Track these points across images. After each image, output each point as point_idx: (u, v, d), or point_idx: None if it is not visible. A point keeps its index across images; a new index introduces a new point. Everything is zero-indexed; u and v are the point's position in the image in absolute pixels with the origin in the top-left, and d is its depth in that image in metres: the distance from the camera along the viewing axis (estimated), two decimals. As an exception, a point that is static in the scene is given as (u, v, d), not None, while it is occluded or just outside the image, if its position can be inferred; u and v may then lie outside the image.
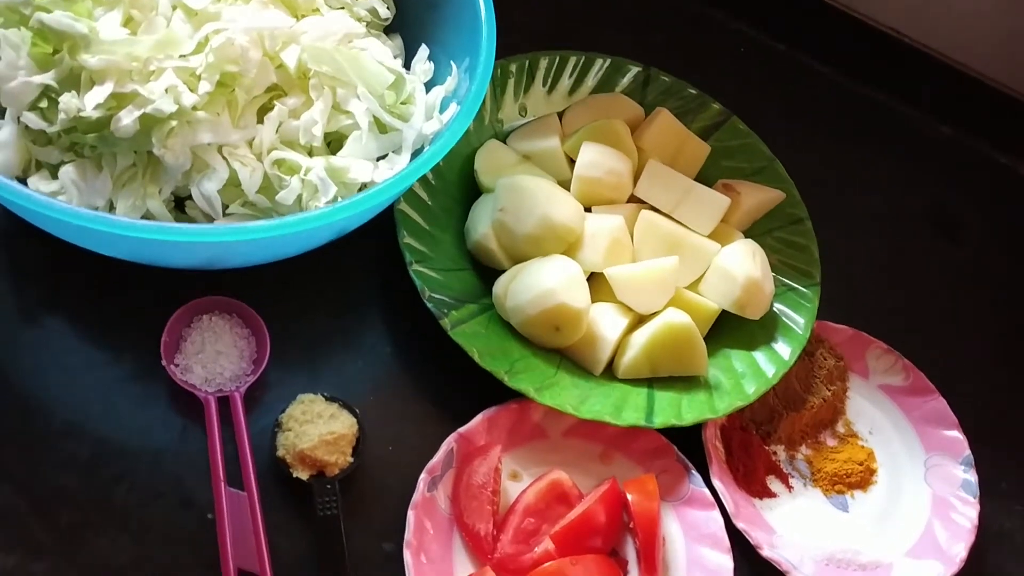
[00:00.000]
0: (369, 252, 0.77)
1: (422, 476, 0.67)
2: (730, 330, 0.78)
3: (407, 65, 0.75)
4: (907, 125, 1.00)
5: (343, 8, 0.72)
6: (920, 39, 0.97)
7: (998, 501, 0.79)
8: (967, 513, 0.76)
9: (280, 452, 0.66)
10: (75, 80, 0.62)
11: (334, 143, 0.69)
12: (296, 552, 0.65)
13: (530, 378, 0.70)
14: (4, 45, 0.61)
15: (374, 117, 0.68)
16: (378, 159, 0.69)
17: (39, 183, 0.63)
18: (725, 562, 0.69)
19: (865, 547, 0.74)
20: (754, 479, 0.75)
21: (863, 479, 0.78)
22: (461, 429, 0.69)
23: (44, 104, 0.62)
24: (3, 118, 0.64)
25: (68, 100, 0.60)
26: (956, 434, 0.79)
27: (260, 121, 0.66)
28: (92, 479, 0.65)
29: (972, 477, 0.78)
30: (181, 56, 0.62)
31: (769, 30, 1.01)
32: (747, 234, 0.81)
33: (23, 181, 0.63)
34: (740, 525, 0.71)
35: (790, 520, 0.75)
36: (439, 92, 0.71)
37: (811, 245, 0.82)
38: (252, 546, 0.63)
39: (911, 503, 0.78)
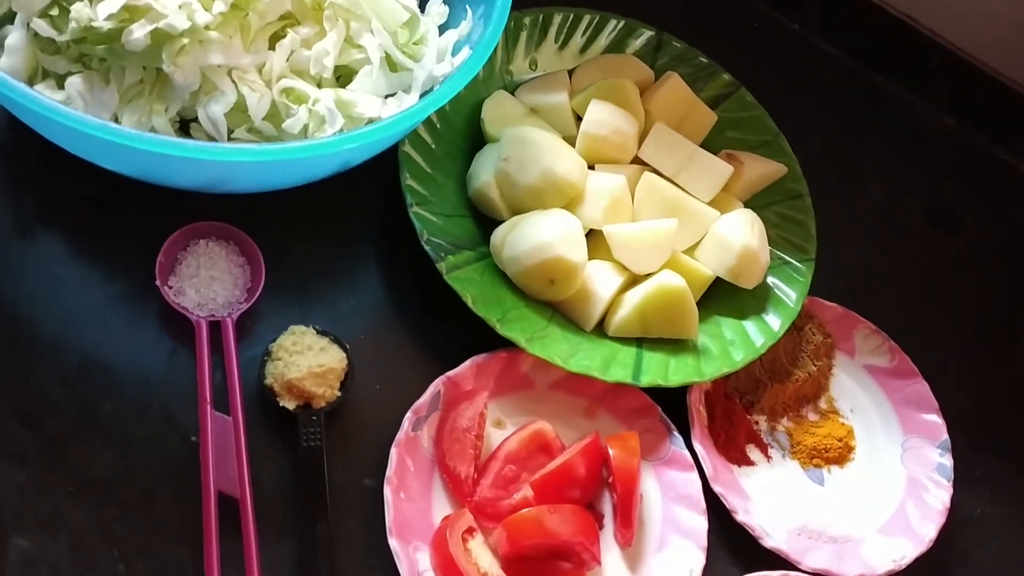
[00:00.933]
0: (370, 192, 0.77)
1: (407, 415, 0.67)
2: (723, 298, 0.78)
3: (422, 8, 0.75)
4: (912, 114, 1.01)
5: (362, -57, 0.72)
6: (932, 27, 0.97)
7: (971, 487, 0.80)
8: (940, 496, 0.77)
9: (268, 380, 0.66)
10: (88, -11, 0.61)
11: (343, 77, 0.69)
12: (277, 480, 0.66)
13: (521, 328, 0.71)
14: (18, -51, 0.61)
15: (386, 54, 0.68)
16: (386, 97, 0.69)
17: (45, 91, 0.62)
18: (700, 523, 0.70)
19: (838, 520, 0.75)
20: (734, 446, 0.76)
21: (841, 455, 0.79)
22: (449, 373, 0.70)
23: (55, 12, 0.61)
24: (13, 23, 0.63)
25: (80, 9, 0.60)
26: (935, 418, 0.80)
27: (272, 48, 0.65)
28: (78, 393, 0.65)
29: (947, 461, 0.79)
30: (197, -26, 0.62)
31: (785, 8, 1.01)
32: (747, 205, 0.82)
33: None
34: (717, 489, 0.72)
35: (766, 489, 0.76)
36: (452, 35, 0.71)
37: (809, 221, 0.82)
38: (233, 470, 0.63)
39: (886, 482, 0.79)
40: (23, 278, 0.68)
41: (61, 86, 0.63)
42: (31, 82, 0.63)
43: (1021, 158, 1.02)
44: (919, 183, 0.97)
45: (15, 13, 0.63)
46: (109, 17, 0.60)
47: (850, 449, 0.80)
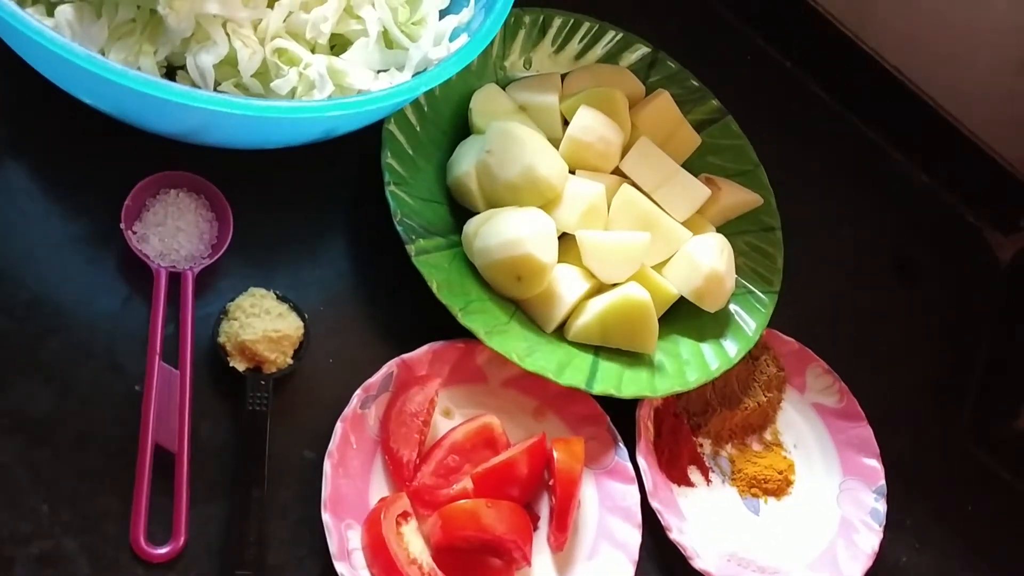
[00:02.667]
0: (349, 166, 0.76)
1: (357, 392, 0.67)
2: (684, 318, 0.79)
3: (425, -10, 0.74)
4: (891, 166, 1.03)
5: (373, -83, 0.71)
6: (921, 84, 0.99)
7: (900, 535, 0.82)
8: (870, 539, 0.78)
9: (221, 339, 0.65)
10: (89, -81, 0.60)
11: (338, 46, 0.69)
12: (217, 441, 0.64)
13: (483, 320, 0.70)
14: None
15: (384, 29, 0.67)
16: (379, 72, 0.68)
17: (34, 16, 0.61)
18: (633, 536, 0.70)
19: (768, 551, 0.76)
20: (676, 465, 0.77)
21: (779, 487, 0.80)
22: (404, 355, 0.69)
23: (52, -63, 0.60)
24: (8, -57, 0.62)
25: (80, -62, 0.59)
26: (875, 463, 0.82)
27: (270, 6, 0.65)
28: (24, 326, 0.64)
29: (881, 507, 0.80)
30: (204, -82, 0.61)
31: (779, 44, 1.02)
32: (719, 231, 0.82)
33: (16, 10, 0.62)
34: (655, 504, 0.72)
35: (702, 511, 0.76)
36: (452, 21, 0.71)
37: (778, 254, 0.83)
38: (174, 425, 0.62)
39: (820, 519, 0.80)
40: (-15, 206, 0.67)
41: (51, 14, 0.62)
42: (20, 5, 0.62)
43: (987, 223, 1.04)
44: (889, 233, 0.99)
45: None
46: (107, -51, 0.59)
47: (789, 483, 0.81)
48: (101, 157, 0.69)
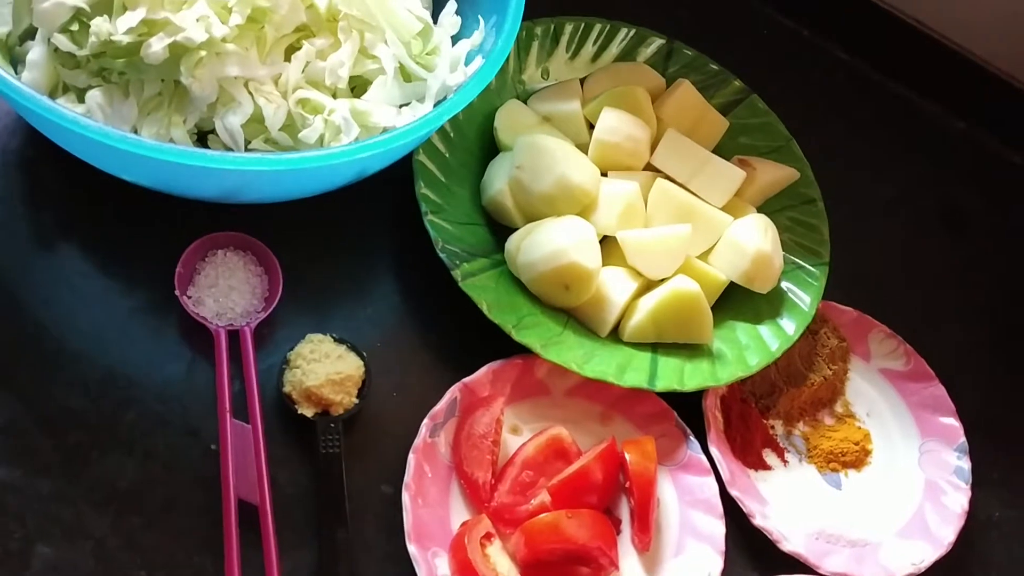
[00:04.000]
0: (385, 202, 0.77)
1: (425, 421, 0.67)
2: (737, 302, 0.78)
3: (435, 17, 0.75)
4: (923, 117, 1.01)
5: (375, -45, 0.72)
6: (941, 31, 0.97)
7: (989, 490, 0.80)
8: (958, 499, 0.77)
9: (287, 388, 0.67)
10: (107, 4, 0.62)
11: (358, 87, 0.70)
12: (296, 487, 0.66)
13: (537, 334, 0.71)
14: (39, -34, 0.62)
15: (400, 64, 0.69)
16: (401, 107, 0.70)
17: (66, 104, 0.63)
18: (717, 528, 0.70)
19: (856, 524, 0.75)
20: (750, 450, 0.76)
21: (858, 459, 0.79)
22: (466, 379, 0.70)
23: (75, 27, 0.62)
24: (34, 39, 0.65)
25: (100, 24, 0.61)
26: (952, 421, 0.80)
27: (287, 59, 0.66)
28: (100, 403, 0.66)
29: (965, 464, 0.79)
30: (215, -12, 0.63)
31: (794, 15, 1.01)
32: (760, 210, 0.82)
33: (50, 102, 0.64)
34: (734, 493, 0.72)
35: (783, 493, 0.76)
36: (465, 45, 0.72)
37: (822, 225, 0.82)
38: (253, 478, 0.64)
39: (904, 485, 0.78)
40: (46, 290, 0.69)
41: (81, 100, 0.64)
42: (52, 96, 0.65)
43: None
44: (930, 185, 0.97)
45: (36, 29, 0.64)
46: (128, 31, 0.61)
47: (867, 453, 0.80)
48: (148, 228, 0.72)
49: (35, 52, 0.63)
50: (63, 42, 0.62)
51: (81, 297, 0.69)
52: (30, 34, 0.65)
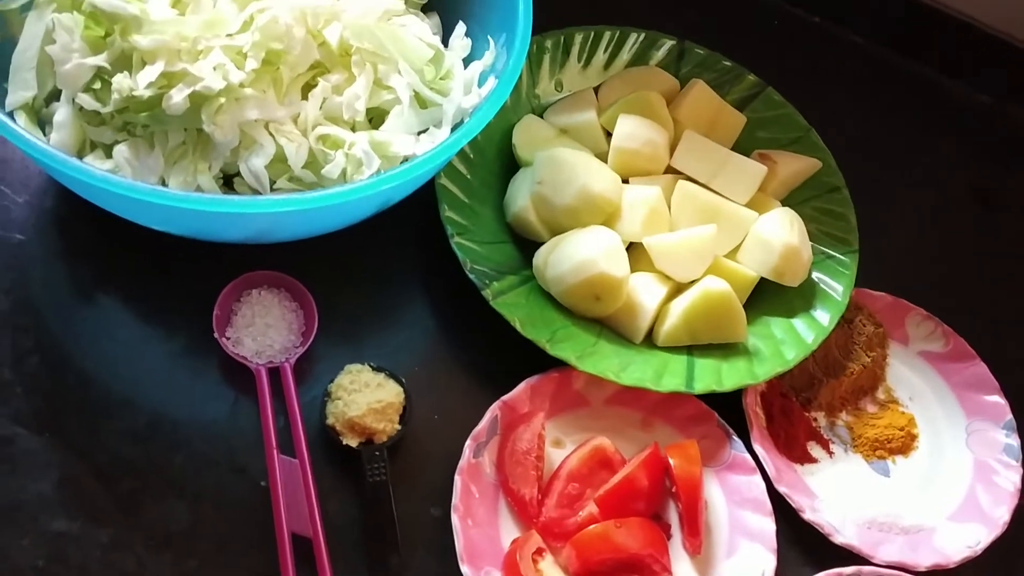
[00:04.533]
0: (410, 227, 0.78)
1: (467, 442, 0.68)
2: (769, 298, 0.78)
3: (445, 42, 0.76)
4: (944, 94, 1.00)
5: (382, -13, 0.73)
6: (955, 6, 0.96)
7: (1041, 465, 0.79)
8: (1010, 477, 0.76)
9: (330, 420, 0.68)
10: (127, 61, 0.64)
11: (376, 118, 0.71)
12: (347, 516, 0.67)
13: (571, 346, 0.71)
14: (59, 29, 0.64)
15: (415, 92, 0.69)
16: (419, 133, 0.70)
17: (94, 161, 0.65)
18: (767, 525, 0.70)
19: (907, 511, 0.75)
20: (795, 445, 0.76)
21: (904, 444, 0.79)
22: (505, 397, 0.71)
23: (97, 85, 0.64)
24: (59, 100, 0.66)
25: (121, 80, 0.62)
26: (998, 399, 0.79)
27: (304, 98, 0.67)
28: (150, 448, 0.67)
29: (1014, 441, 0.78)
30: (228, 35, 0.64)
31: (804, 3, 1.01)
32: (784, 203, 0.82)
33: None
34: (782, 489, 0.72)
35: (831, 485, 0.75)
36: (477, 67, 0.72)
37: (848, 213, 0.82)
38: (304, 511, 0.65)
39: (953, 468, 0.78)
40: (88, 342, 0.71)
41: (109, 155, 0.65)
42: (80, 154, 0.66)
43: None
44: (957, 162, 0.96)
45: (60, 90, 0.65)
46: (148, 85, 0.62)
47: (913, 438, 0.79)
48: (182, 274, 0.73)
49: (61, 113, 0.65)
50: (87, 101, 0.64)
51: (123, 346, 0.71)
52: (55, 96, 0.67)
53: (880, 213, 0.87)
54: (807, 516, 0.71)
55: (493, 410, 0.70)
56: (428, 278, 0.78)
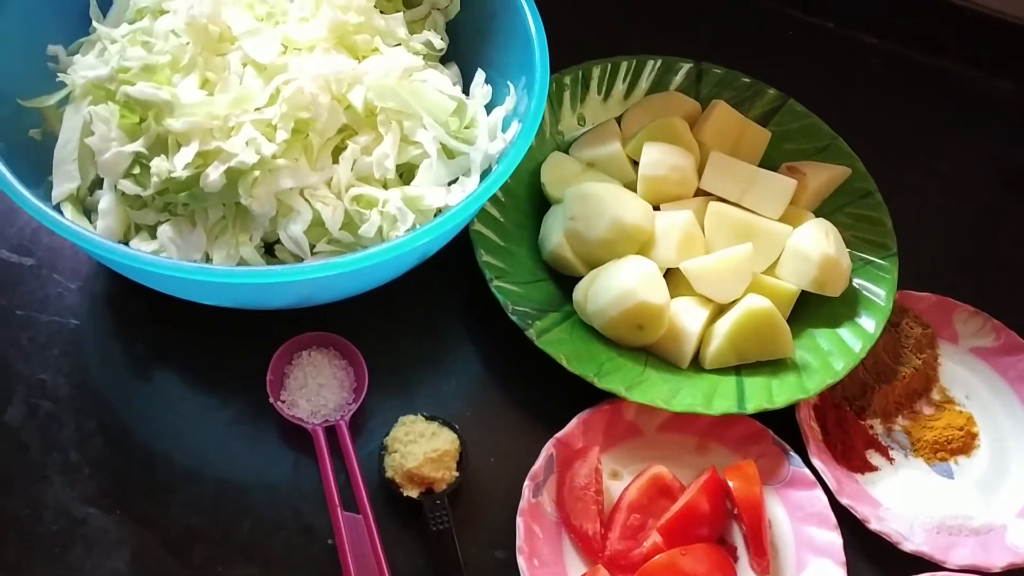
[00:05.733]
0: (449, 272, 0.79)
1: (526, 483, 0.69)
2: (812, 310, 0.78)
3: (466, 90, 0.78)
4: (964, 85, 1.00)
5: (399, 44, 0.75)
6: (971, -1, 0.97)
7: (1108, 452, 0.78)
8: (1077, 467, 0.75)
9: (389, 473, 0.69)
10: (163, 144, 0.66)
11: (406, 173, 0.72)
12: (414, 567, 0.68)
13: (619, 378, 0.72)
14: (96, 120, 0.66)
15: (441, 144, 0.71)
16: (449, 183, 0.72)
17: (140, 244, 0.67)
18: (834, 539, 0.70)
19: (975, 511, 0.74)
20: (853, 454, 0.76)
21: (965, 444, 0.78)
22: (558, 434, 0.71)
23: (137, 170, 0.66)
24: (102, 187, 0.69)
25: (159, 164, 0.65)
26: (1057, 387, 0.79)
27: (335, 161, 0.69)
28: (217, 516, 0.69)
29: (1079, 429, 0.77)
30: (256, 109, 0.66)
31: (816, 11, 1.01)
32: (817, 213, 0.82)
33: (125, 244, 0.68)
34: (844, 501, 0.71)
35: (895, 492, 0.75)
36: (500, 112, 0.73)
37: (883, 217, 0.82)
38: (372, 565, 0.66)
39: (1018, 462, 0.77)
40: (148, 417, 0.73)
41: (153, 236, 0.67)
42: (126, 237, 0.68)
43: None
44: (987, 152, 0.96)
45: (102, 179, 0.68)
46: (186, 166, 0.64)
47: (973, 436, 0.78)
48: (233, 343, 0.75)
49: (105, 200, 0.67)
50: (128, 186, 0.66)
51: (183, 418, 0.73)
52: (98, 184, 0.69)
53: (915, 212, 0.86)
54: (873, 526, 0.71)
55: (548, 448, 0.71)
56: (471, 321, 0.79)
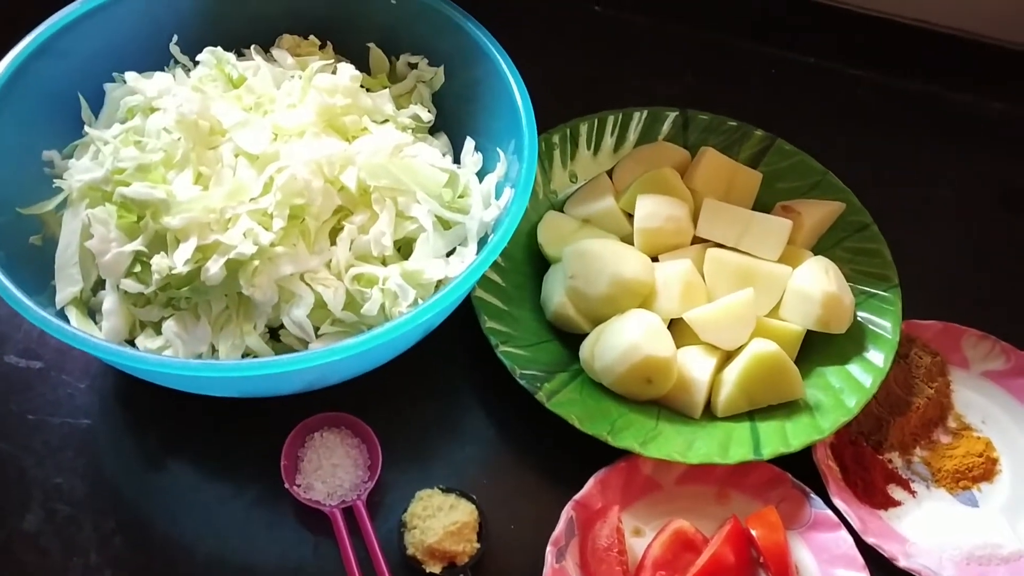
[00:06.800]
0: (455, 339, 0.79)
1: (548, 549, 0.68)
2: (819, 348, 0.78)
3: (456, 159, 0.78)
4: (955, 109, 1.00)
5: (388, 121, 0.76)
6: (949, 24, 0.97)
7: None
8: (1101, 485, 0.75)
9: (410, 551, 0.68)
10: (162, 241, 0.67)
11: (404, 247, 0.73)
12: (443, 643, 0.67)
13: (633, 434, 0.72)
14: (94, 223, 0.67)
15: (436, 217, 0.71)
16: (448, 254, 0.72)
17: (146, 342, 0.67)
18: (863, 580, 0.69)
19: (1004, 539, 0.73)
20: (875, 491, 0.75)
21: (987, 470, 0.77)
22: (576, 496, 0.71)
23: (138, 269, 0.67)
24: (104, 288, 0.69)
25: (159, 261, 0.65)
26: (1073, 405, 0.78)
27: (333, 242, 0.70)
28: (241, 606, 0.69)
29: (1098, 446, 0.76)
30: (252, 200, 0.67)
31: (796, 47, 1.02)
32: (815, 250, 0.82)
33: (131, 342, 0.68)
34: (870, 540, 0.71)
35: (920, 525, 0.74)
36: (492, 179, 0.74)
37: (882, 248, 0.82)
38: (401, 645, 0.65)
39: (1041, 485, 0.76)
40: (166, 509, 0.72)
41: (159, 332, 0.68)
42: (132, 335, 0.69)
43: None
44: (982, 174, 0.96)
45: (104, 280, 0.68)
46: (186, 262, 0.65)
47: (994, 462, 0.78)
48: (245, 430, 0.75)
49: (108, 301, 0.68)
50: (130, 285, 0.67)
51: (200, 508, 0.73)
52: (101, 284, 0.70)
53: (914, 240, 0.86)
54: (902, 564, 0.70)
55: (567, 512, 0.70)
56: (480, 386, 0.79)
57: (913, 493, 0.76)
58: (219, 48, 0.76)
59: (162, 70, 0.78)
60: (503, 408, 0.78)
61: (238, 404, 0.72)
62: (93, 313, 0.70)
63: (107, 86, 0.76)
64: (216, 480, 0.74)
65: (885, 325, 0.78)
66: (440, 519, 0.68)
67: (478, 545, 0.69)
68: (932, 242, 0.90)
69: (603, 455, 0.72)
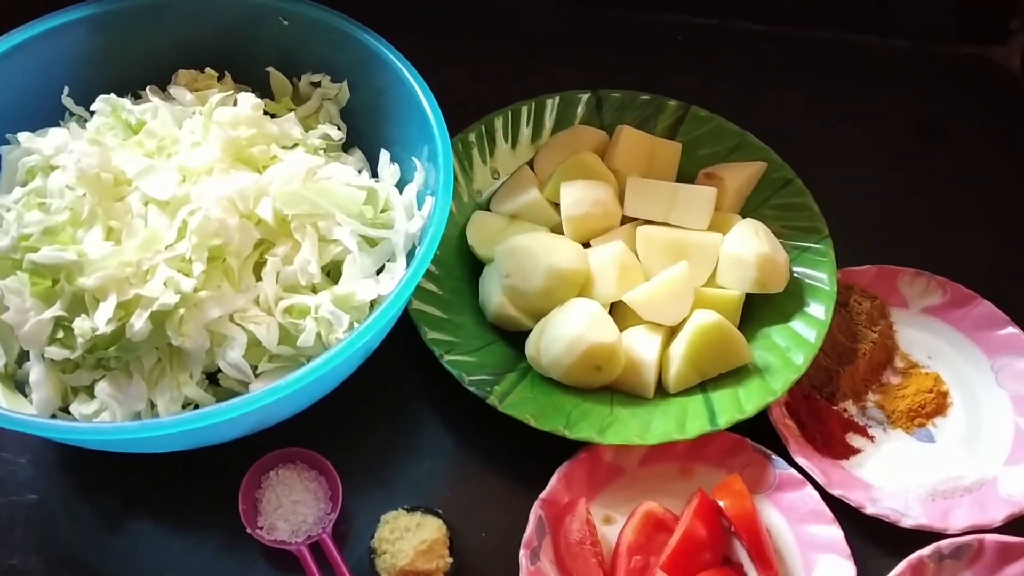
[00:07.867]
0: (398, 356, 0.78)
1: (521, 552, 0.68)
2: (760, 310, 0.78)
3: (375, 173, 0.77)
4: (860, 52, 1.01)
5: (297, 145, 0.75)
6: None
7: (1075, 379, 0.79)
8: (1050, 401, 0.76)
9: (383, 576, 0.68)
10: (81, 303, 0.64)
11: (333, 271, 0.71)
12: (429, 664, 0.67)
13: (589, 424, 0.71)
14: (8, 294, 0.64)
15: (361, 236, 0.70)
16: (378, 271, 0.71)
17: (80, 407, 0.65)
18: (834, 533, 0.70)
19: (964, 470, 0.74)
20: (834, 442, 0.76)
21: (939, 404, 0.78)
22: (542, 495, 0.71)
23: (61, 335, 0.64)
24: (29, 359, 0.67)
25: (81, 324, 0.63)
26: (1012, 330, 0.80)
27: (259, 278, 0.68)
28: (219, 659, 0.67)
29: (1043, 365, 0.78)
30: (167, 247, 0.65)
31: (701, 12, 1.02)
32: (743, 213, 0.83)
33: (65, 410, 0.66)
34: (836, 492, 0.71)
35: (882, 469, 0.75)
36: (412, 189, 0.73)
37: (808, 201, 0.82)
38: (387, 673, 0.64)
39: (993, 411, 0.78)
40: (132, 568, 0.70)
41: (92, 396, 0.66)
42: (65, 402, 0.67)
43: (982, 45, 1.01)
44: (896, 112, 0.97)
45: (27, 351, 0.66)
46: (108, 321, 0.62)
47: (944, 395, 0.79)
48: (200, 476, 0.73)
49: (35, 372, 0.66)
50: (55, 352, 0.64)
51: (166, 562, 0.71)
52: (25, 355, 0.68)
53: (838, 189, 0.87)
54: (869, 510, 0.71)
55: (535, 511, 0.70)
56: (432, 400, 0.78)
57: (871, 438, 0.77)
58: (112, 95, 0.74)
59: (58, 124, 0.75)
60: (457, 417, 0.77)
61: (190, 452, 0.70)
62: (21, 385, 0.68)
63: (2, 149, 0.74)
64: (178, 533, 0.72)
65: (821, 277, 0.79)
66: (409, 539, 0.68)
67: (451, 559, 0.68)
68: (855, 187, 0.91)
69: (564, 449, 0.72)
